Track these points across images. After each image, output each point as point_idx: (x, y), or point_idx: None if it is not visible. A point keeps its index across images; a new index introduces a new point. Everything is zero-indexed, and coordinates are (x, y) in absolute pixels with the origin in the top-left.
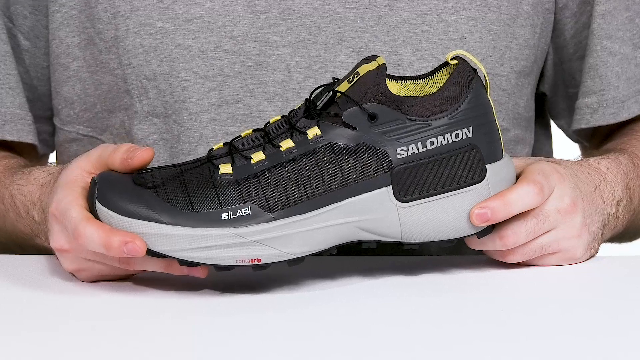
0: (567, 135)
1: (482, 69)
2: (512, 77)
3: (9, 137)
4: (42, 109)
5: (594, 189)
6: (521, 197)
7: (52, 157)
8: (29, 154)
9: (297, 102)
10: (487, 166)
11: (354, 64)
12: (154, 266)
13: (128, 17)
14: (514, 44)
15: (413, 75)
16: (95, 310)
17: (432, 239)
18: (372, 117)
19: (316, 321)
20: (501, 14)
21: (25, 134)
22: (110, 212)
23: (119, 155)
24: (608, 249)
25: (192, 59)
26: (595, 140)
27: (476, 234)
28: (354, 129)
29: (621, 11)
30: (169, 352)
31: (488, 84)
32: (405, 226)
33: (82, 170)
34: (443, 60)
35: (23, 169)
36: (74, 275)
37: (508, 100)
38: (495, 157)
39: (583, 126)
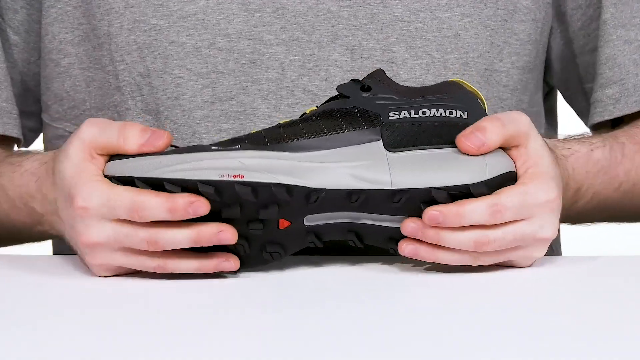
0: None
1: (478, 94)
2: (514, 72)
3: None
4: (27, 104)
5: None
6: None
7: (37, 146)
8: (6, 148)
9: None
10: None
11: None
12: (187, 265)
13: (122, 14)
14: (514, 40)
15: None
16: (96, 311)
17: (420, 185)
18: (366, 89)
19: (305, 322)
20: (498, 9)
21: (11, 127)
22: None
23: (135, 141)
24: (608, 250)
25: (186, 56)
26: None
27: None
28: (347, 97)
29: None
30: (167, 351)
31: (485, 103)
32: (394, 170)
33: (83, 159)
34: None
35: (9, 159)
36: (94, 272)
37: (511, 96)
38: None
39: (606, 118)
